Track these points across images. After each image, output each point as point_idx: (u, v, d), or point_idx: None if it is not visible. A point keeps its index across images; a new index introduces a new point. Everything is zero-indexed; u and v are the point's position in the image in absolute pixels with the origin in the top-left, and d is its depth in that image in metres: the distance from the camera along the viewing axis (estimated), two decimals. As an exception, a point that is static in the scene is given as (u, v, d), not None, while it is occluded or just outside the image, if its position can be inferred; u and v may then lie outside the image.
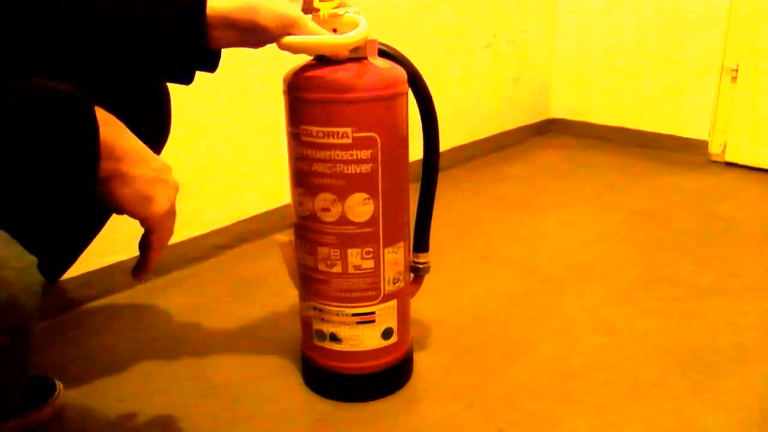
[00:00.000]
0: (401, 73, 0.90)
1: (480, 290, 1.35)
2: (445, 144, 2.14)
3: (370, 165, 0.88)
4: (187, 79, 0.77)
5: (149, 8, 0.70)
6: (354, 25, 0.82)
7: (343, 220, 0.89)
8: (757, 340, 1.13)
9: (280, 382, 1.05)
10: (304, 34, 0.78)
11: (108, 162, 0.63)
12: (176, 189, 0.70)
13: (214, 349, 1.17)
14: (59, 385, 1.03)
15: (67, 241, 0.89)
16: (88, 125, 0.61)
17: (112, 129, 0.64)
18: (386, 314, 0.95)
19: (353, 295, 0.93)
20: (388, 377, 1.00)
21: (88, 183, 0.63)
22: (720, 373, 1.05)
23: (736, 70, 2.02)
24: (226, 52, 0.78)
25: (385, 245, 0.92)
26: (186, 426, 0.98)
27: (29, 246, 0.61)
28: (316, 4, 0.84)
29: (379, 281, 0.93)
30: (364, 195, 0.89)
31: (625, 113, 2.33)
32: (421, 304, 1.28)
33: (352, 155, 0.86)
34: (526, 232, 1.65)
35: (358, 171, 0.87)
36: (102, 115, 0.63)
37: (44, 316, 1.26)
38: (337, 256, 0.91)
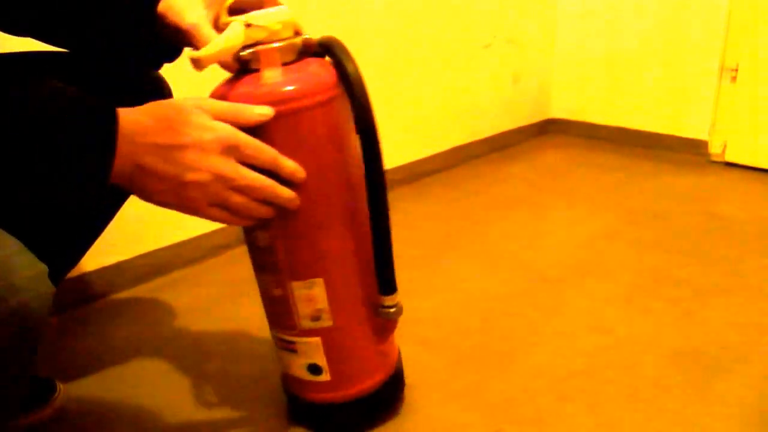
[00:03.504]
0: (299, 88, 0.75)
1: (480, 290, 1.35)
2: (445, 144, 2.16)
3: None
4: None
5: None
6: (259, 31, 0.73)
7: (252, 244, 0.84)
8: (757, 340, 1.13)
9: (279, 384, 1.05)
10: (202, 45, 0.73)
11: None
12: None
13: (214, 350, 1.18)
14: (60, 385, 1.03)
15: (72, 243, 0.89)
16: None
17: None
18: (308, 349, 0.87)
19: (275, 318, 0.88)
20: (323, 413, 0.92)
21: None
22: (720, 373, 1.05)
23: (736, 70, 2.02)
24: None
25: (292, 278, 0.82)
26: (185, 425, 0.98)
27: (34, 248, 0.61)
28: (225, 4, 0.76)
29: (292, 313, 0.85)
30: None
31: (625, 113, 2.33)
32: (421, 304, 1.28)
33: None
34: (526, 231, 1.65)
35: None
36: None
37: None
38: (260, 278, 0.87)
